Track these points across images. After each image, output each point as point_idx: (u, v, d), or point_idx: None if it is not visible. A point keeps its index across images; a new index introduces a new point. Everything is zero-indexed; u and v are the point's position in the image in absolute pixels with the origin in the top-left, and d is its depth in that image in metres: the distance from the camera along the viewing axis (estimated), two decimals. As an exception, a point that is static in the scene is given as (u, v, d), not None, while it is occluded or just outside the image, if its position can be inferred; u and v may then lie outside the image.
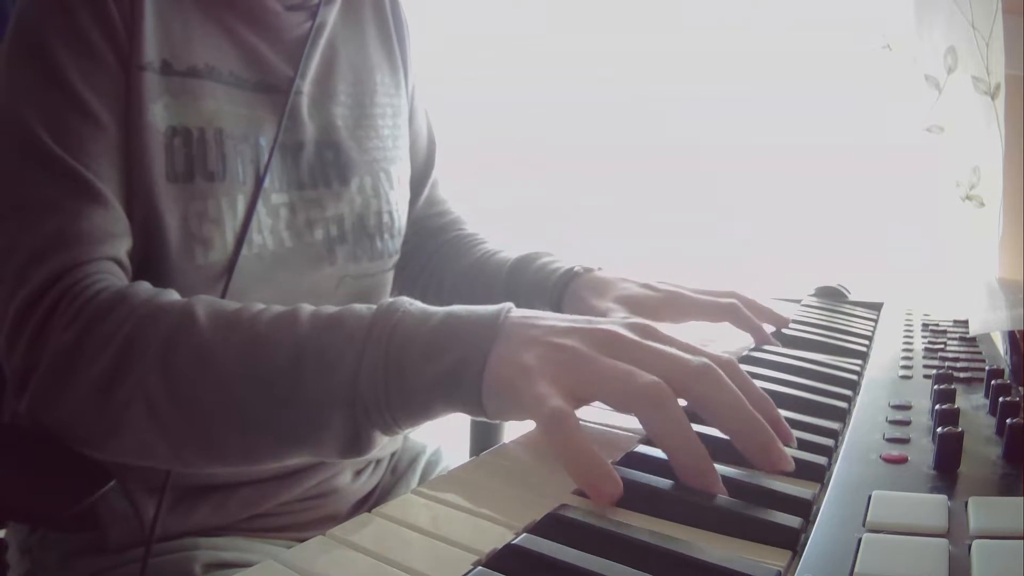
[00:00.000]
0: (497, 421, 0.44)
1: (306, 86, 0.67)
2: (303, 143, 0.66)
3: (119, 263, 0.54)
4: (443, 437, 0.87)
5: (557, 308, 0.72)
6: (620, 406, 0.40)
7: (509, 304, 0.46)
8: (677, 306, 0.68)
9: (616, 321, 0.44)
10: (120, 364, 0.48)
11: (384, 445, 0.71)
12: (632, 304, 0.67)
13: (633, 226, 1.49)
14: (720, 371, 0.40)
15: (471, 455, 0.89)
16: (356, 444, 0.45)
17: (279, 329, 0.46)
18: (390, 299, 0.47)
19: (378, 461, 0.76)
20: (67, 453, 0.52)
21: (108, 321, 0.49)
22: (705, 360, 0.40)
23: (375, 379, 0.43)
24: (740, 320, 0.68)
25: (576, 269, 0.72)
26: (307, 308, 0.48)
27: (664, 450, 0.38)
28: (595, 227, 1.47)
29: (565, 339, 0.42)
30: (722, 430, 0.40)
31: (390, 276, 0.75)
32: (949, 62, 1.09)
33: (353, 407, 0.44)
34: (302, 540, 0.33)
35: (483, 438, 0.89)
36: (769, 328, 0.69)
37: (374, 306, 0.47)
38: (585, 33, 1.53)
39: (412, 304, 0.46)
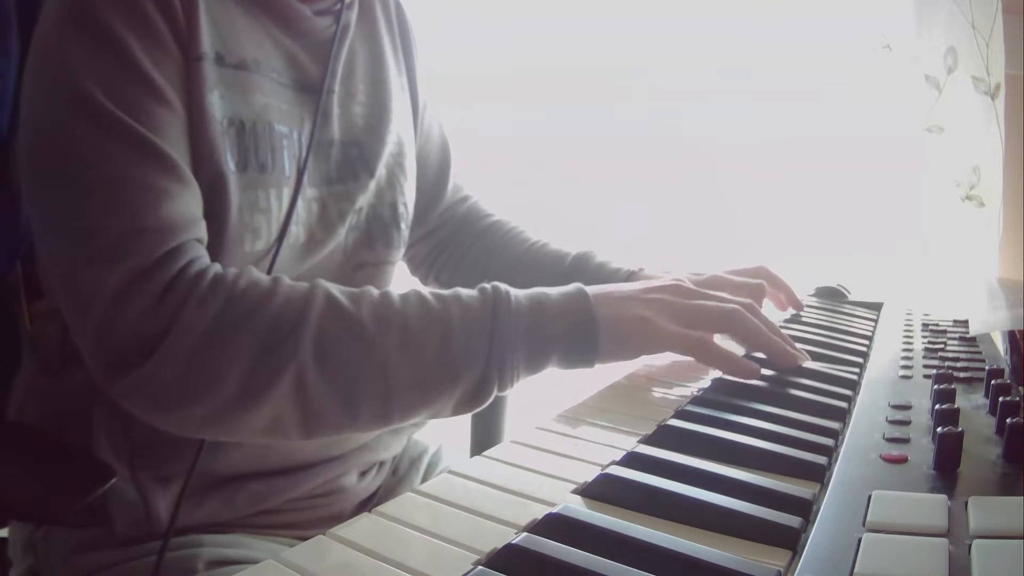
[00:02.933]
0: (602, 363, 0.57)
1: (336, 86, 0.69)
2: (333, 140, 0.69)
3: (203, 243, 0.56)
4: (444, 438, 0.87)
5: None
6: (721, 328, 0.59)
7: (576, 284, 0.59)
8: (718, 287, 0.77)
9: (662, 281, 0.62)
10: (272, 340, 0.51)
11: (388, 446, 0.74)
12: None
13: (633, 226, 1.49)
14: (743, 311, 0.59)
15: (471, 455, 0.89)
16: (478, 396, 0.54)
17: (427, 322, 0.54)
18: (489, 284, 0.57)
19: (382, 462, 0.77)
20: (70, 449, 0.52)
21: (245, 300, 0.52)
22: (732, 307, 0.59)
23: (514, 335, 0.54)
24: (768, 293, 0.80)
25: (633, 269, 0.82)
26: (418, 292, 0.56)
27: (758, 348, 0.60)
28: (595, 227, 1.48)
29: (654, 294, 0.58)
30: (752, 348, 0.61)
31: (395, 269, 0.77)
32: (949, 62, 1.09)
33: (489, 368, 0.54)
34: (306, 539, 0.33)
35: (483, 438, 0.90)
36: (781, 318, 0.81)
37: (475, 292, 0.57)
38: (586, 37, 1.53)
39: (508, 289, 0.57)
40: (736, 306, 0.59)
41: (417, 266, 0.94)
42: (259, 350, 0.51)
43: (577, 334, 0.56)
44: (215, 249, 0.58)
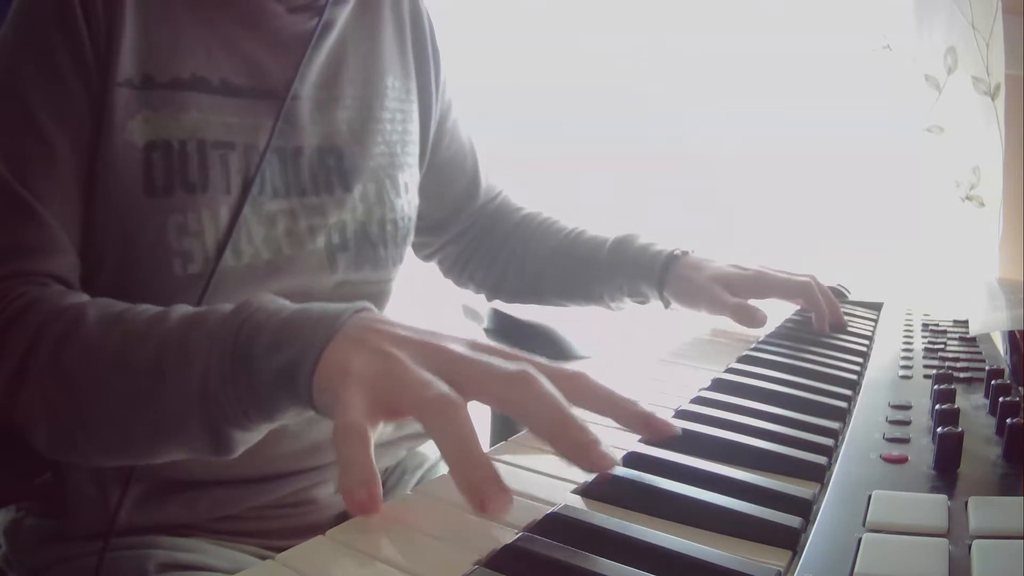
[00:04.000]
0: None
1: (308, 90, 0.65)
2: (302, 148, 0.65)
3: (55, 277, 0.56)
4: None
5: (661, 286, 0.79)
6: (416, 416, 0.38)
7: (365, 304, 0.45)
8: (761, 283, 0.77)
9: (458, 338, 0.43)
10: (22, 367, 0.50)
11: (377, 458, 0.71)
12: (724, 281, 0.76)
13: (632, 226, 1.49)
14: (537, 376, 0.38)
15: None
16: (219, 442, 0.46)
17: (151, 325, 0.48)
18: (256, 295, 0.47)
19: None
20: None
21: (18, 326, 0.51)
22: (523, 367, 0.39)
23: (223, 371, 0.44)
24: (811, 300, 0.77)
25: (676, 252, 0.79)
26: (182, 307, 0.49)
27: (446, 463, 0.36)
28: (594, 227, 1.47)
29: (393, 348, 0.41)
30: (538, 435, 0.38)
31: (392, 286, 0.74)
32: (949, 62, 1.09)
33: (207, 403, 0.44)
34: (275, 548, 0.33)
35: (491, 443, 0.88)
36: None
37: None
38: (584, 33, 1.53)
39: (274, 300, 0.47)
40: (444, 394, 0.37)
41: (449, 268, 0.92)
42: (13, 383, 0.50)
43: (295, 372, 0.42)
44: (136, 275, 0.58)
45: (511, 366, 0.39)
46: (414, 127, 0.76)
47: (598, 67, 1.52)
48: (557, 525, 0.34)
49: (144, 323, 0.48)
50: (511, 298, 0.92)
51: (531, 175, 1.51)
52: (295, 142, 0.64)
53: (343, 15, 0.68)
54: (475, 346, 0.42)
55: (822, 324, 0.77)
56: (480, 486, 0.34)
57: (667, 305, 0.81)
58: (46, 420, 0.50)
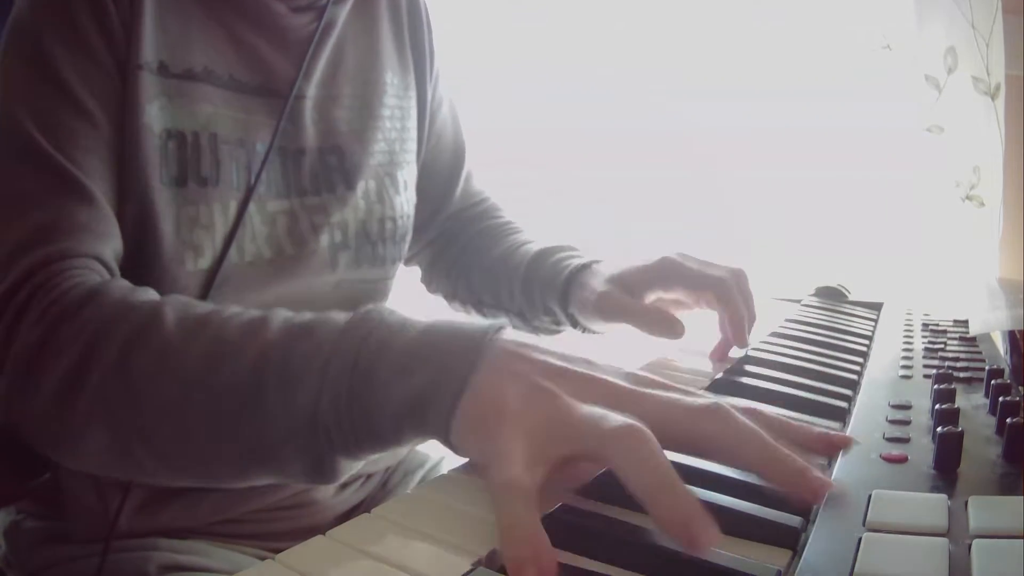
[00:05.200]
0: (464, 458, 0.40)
1: (310, 89, 0.65)
2: (304, 149, 0.65)
3: (102, 262, 0.52)
4: (445, 449, 0.85)
5: (565, 303, 0.70)
6: (595, 457, 0.34)
7: (502, 322, 0.41)
8: (663, 273, 0.65)
9: (614, 368, 0.40)
10: (81, 367, 0.44)
11: (377, 459, 0.66)
12: (621, 280, 0.66)
13: (632, 226, 1.49)
14: (732, 409, 0.36)
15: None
16: (319, 470, 0.41)
17: (247, 334, 0.42)
18: (368, 306, 0.42)
19: (369, 475, 0.73)
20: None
21: (76, 320, 0.46)
22: (714, 400, 0.37)
23: (338, 395, 0.39)
24: (725, 298, 0.63)
25: (587, 261, 0.71)
26: (282, 313, 0.44)
27: (641, 498, 0.32)
28: (593, 227, 1.47)
29: (551, 382, 0.37)
30: (745, 468, 0.36)
31: (390, 284, 0.73)
32: (949, 62, 1.09)
33: (315, 427, 0.39)
34: (274, 550, 0.33)
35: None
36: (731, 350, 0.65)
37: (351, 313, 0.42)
38: (583, 30, 1.53)
39: (392, 313, 0.41)
40: (629, 423, 0.34)
41: (422, 274, 0.90)
42: (66, 384, 0.45)
43: (428, 402, 0.38)
44: (153, 267, 0.56)
45: (700, 400, 0.37)
46: (412, 123, 0.75)
47: (597, 65, 1.52)
48: (557, 525, 0.34)
49: (238, 329, 0.43)
50: (464, 308, 0.86)
51: (530, 175, 1.51)
52: (297, 143, 0.64)
53: (342, 14, 0.68)
54: (637, 379, 0.39)
55: (737, 331, 0.63)
56: (689, 523, 0.31)
57: (575, 325, 0.72)
58: (104, 432, 0.44)
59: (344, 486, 0.70)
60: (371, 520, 0.35)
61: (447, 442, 0.38)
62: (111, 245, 0.53)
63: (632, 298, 0.65)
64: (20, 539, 0.64)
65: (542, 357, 0.38)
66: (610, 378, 0.38)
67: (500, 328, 0.40)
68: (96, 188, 0.52)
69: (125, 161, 0.55)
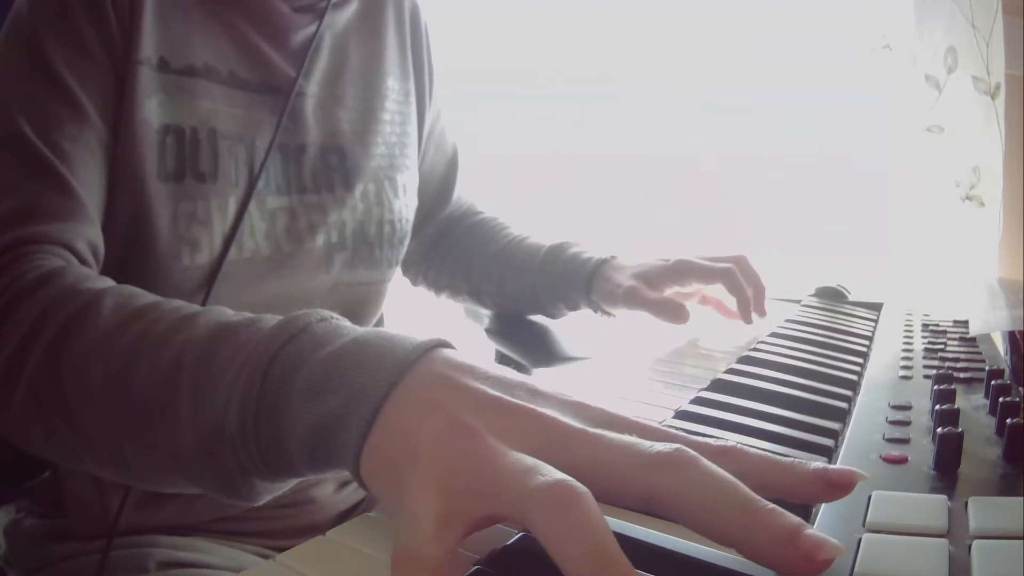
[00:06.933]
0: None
1: (311, 88, 0.65)
2: (305, 146, 0.65)
3: (73, 250, 0.51)
4: None
5: (588, 291, 0.80)
6: (517, 520, 0.27)
7: (442, 340, 0.35)
8: (679, 270, 0.76)
9: (560, 397, 0.33)
10: (23, 351, 0.43)
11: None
12: (644, 276, 0.76)
13: (632, 226, 1.49)
14: (697, 456, 0.28)
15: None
16: (235, 490, 0.36)
17: (173, 330, 0.39)
18: (305, 309, 0.37)
19: None
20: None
21: (26, 302, 0.44)
22: (675, 444, 0.29)
23: (246, 409, 0.34)
24: (732, 285, 0.75)
25: (605, 257, 0.81)
26: (220, 313, 0.40)
27: (567, 570, 0.25)
28: (593, 227, 1.47)
29: (476, 416, 0.30)
30: (714, 537, 0.27)
31: (386, 288, 0.74)
32: (949, 62, 1.09)
33: (223, 441, 0.35)
34: (275, 548, 0.33)
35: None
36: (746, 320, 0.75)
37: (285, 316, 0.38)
38: (582, 32, 1.53)
39: (327, 319, 0.36)
40: (561, 481, 0.27)
41: (408, 267, 0.93)
42: (4, 371, 0.44)
43: (333, 431, 0.32)
44: (147, 262, 0.56)
45: (658, 445, 0.28)
46: (412, 129, 0.76)
47: (597, 67, 1.52)
48: None
49: (167, 325, 0.40)
50: (454, 297, 0.93)
51: (529, 175, 1.51)
52: (299, 140, 0.65)
53: (346, 18, 0.69)
54: (588, 414, 0.32)
55: (744, 313, 0.75)
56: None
57: (596, 309, 0.82)
58: (39, 424, 0.43)
59: (344, 485, 0.70)
60: (371, 521, 0.35)
61: (359, 481, 0.32)
62: (85, 234, 0.52)
63: (653, 291, 0.75)
64: (20, 537, 0.64)
65: (474, 384, 0.32)
66: (553, 413, 0.31)
67: (435, 345, 0.34)
68: (76, 177, 0.52)
69: (119, 156, 0.55)
